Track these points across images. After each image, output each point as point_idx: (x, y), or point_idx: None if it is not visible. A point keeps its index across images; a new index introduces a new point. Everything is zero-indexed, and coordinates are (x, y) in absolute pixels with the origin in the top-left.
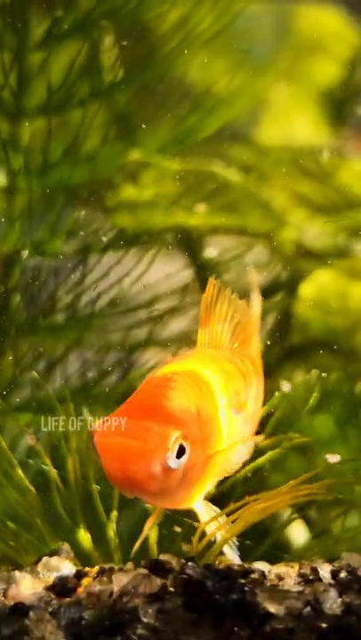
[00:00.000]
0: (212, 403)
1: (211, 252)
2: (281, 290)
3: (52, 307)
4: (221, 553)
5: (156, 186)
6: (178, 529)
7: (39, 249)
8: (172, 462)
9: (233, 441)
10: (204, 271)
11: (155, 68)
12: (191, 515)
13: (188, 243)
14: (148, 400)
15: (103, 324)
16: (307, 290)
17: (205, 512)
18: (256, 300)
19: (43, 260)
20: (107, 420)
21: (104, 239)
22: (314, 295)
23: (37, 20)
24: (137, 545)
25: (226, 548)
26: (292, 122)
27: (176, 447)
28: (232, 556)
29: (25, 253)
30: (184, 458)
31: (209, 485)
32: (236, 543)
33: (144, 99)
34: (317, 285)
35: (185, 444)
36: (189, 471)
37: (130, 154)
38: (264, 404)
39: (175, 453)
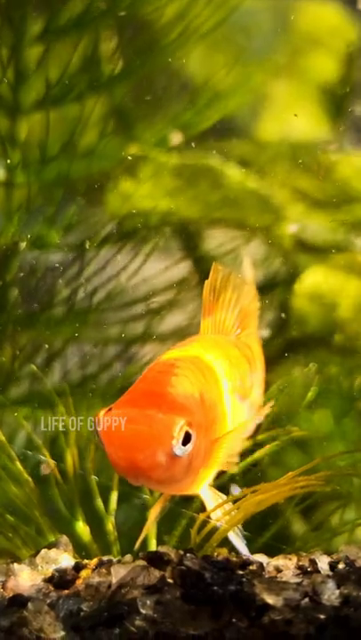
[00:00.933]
0: (216, 388)
1: (208, 245)
2: (279, 284)
3: (50, 300)
4: (220, 544)
5: (154, 179)
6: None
7: (37, 242)
8: (178, 450)
9: (237, 422)
10: (201, 265)
11: (153, 62)
12: (190, 507)
13: (186, 236)
14: (151, 387)
15: (101, 318)
16: (304, 284)
17: (212, 498)
18: (253, 289)
19: (41, 253)
20: (110, 409)
21: (101, 233)
22: (311, 290)
23: (35, 14)
24: (141, 536)
25: (234, 539)
26: (292, 117)
27: (182, 435)
28: (240, 547)
29: (22, 245)
30: (190, 445)
31: (214, 471)
32: (244, 532)
33: (142, 92)
34: (315, 280)
35: (191, 431)
36: (194, 458)
37: (128, 148)
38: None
39: (181, 441)
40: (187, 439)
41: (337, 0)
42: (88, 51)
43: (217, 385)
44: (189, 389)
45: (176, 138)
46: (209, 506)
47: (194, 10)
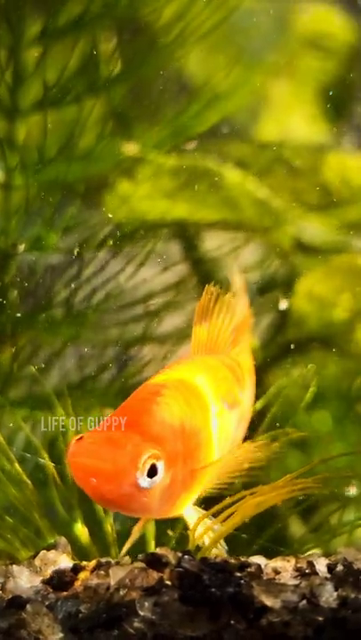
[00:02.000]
0: (202, 413)
1: (207, 247)
2: (278, 286)
3: (49, 302)
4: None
5: (152, 181)
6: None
7: (36, 245)
8: (143, 482)
9: (227, 442)
10: (200, 266)
11: (151, 63)
12: None
13: (184, 238)
14: (129, 415)
15: (100, 320)
16: (303, 285)
17: (194, 518)
18: (244, 301)
19: (39, 255)
20: (82, 437)
21: (100, 235)
22: (310, 291)
23: (33, 16)
24: (126, 547)
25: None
26: (291, 119)
27: (147, 467)
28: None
29: (21, 247)
30: (157, 477)
31: (197, 493)
32: (226, 548)
33: (140, 94)
34: (314, 281)
35: (158, 464)
36: (172, 485)
37: (126, 149)
38: (260, 398)
39: (146, 473)
40: (153, 471)
41: (336, 1)
42: (86, 52)
43: (204, 410)
44: (168, 419)
45: (131, 148)
46: (191, 525)
47: (193, 11)
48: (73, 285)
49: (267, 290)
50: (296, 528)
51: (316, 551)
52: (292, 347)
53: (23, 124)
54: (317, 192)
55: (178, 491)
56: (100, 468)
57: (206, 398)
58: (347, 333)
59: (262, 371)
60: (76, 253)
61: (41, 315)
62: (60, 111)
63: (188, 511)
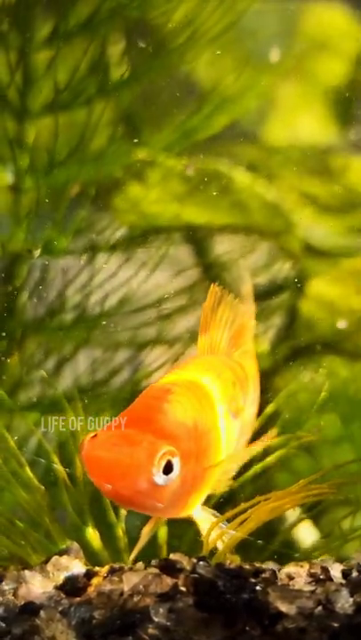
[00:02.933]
0: (211, 413)
1: (217, 250)
2: (287, 289)
3: (60, 306)
4: (231, 552)
5: (162, 184)
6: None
7: (46, 248)
8: (159, 478)
9: (231, 447)
10: (211, 270)
11: (160, 66)
12: None
13: (195, 242)
14: (142, 413)
15: (111, 323)
16: (313, 289)
17: (204, 519)
18: (250, 306)
19: (50, 259)
20: (96, 435)
21: (111, 238)
22: (320, 294)
23: (43, 18)
24: (136, 549)
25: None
26: (300, 120)
27: (163, 463)
28: None
29: (37, 253)
30: (173, 474)
31: (205, 494)
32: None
33: (150, 97)
34: (324, 284)
35: (173, 461)
36: (185, 484)
37: (136, 152)
38: (269, 403)
39: (162, 470)
40: (169, 468)
41: (345, 1)
42: (96, 54)
43: (212, 410)
44: (181, 417)
45: (74, 189)
46: (201, 526)
47: (202, 14)
48: (84, 289)
49: (276, 293)
50: (308, 533)
51: (329, 557)
52: (303, 350)
53: (33, 126)
54: (328, 195)
55: (190, 490)
56: (117, 463)
57: (214, 398)
58: (356, 337)
59: (272, 374)
60: (85, 257)
61: (52, 319)
62: (71, 113)
63: (200, 514)
